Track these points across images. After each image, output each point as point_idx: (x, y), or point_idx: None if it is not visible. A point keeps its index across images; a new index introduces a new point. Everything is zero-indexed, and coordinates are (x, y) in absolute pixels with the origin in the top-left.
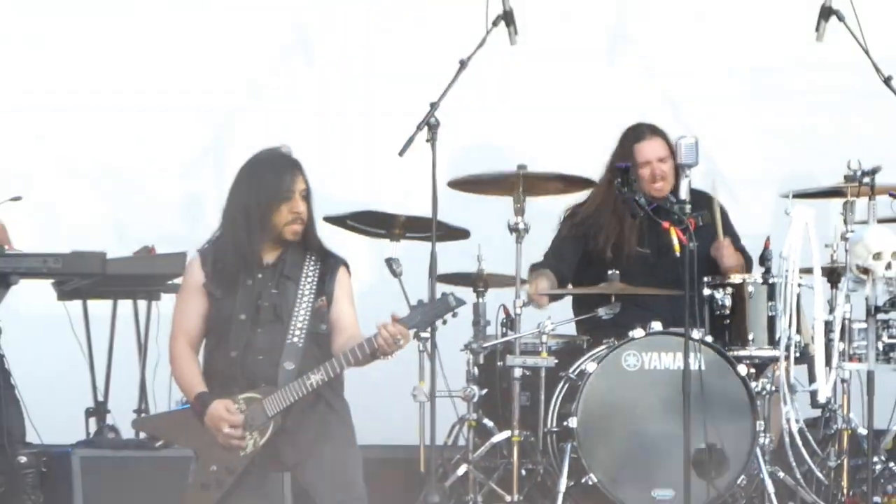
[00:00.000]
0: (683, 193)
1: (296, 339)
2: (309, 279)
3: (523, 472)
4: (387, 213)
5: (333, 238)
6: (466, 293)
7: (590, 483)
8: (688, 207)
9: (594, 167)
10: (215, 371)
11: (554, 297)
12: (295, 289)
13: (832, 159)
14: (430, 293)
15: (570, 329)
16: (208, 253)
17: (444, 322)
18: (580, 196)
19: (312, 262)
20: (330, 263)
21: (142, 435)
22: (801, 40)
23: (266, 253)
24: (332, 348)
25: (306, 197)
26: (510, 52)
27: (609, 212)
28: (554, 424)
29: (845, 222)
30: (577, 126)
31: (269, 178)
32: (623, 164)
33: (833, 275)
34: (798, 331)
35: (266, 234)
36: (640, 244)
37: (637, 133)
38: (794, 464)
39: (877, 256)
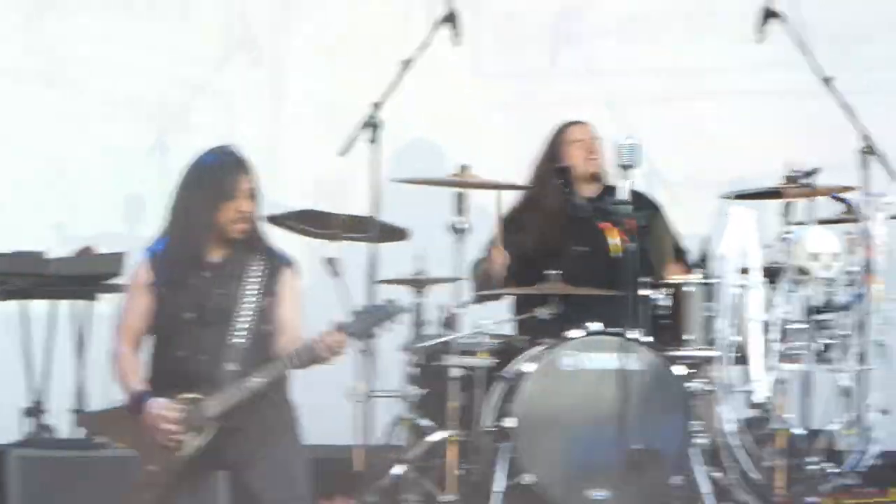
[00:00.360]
0: (624, 194)
1: (240, 340)
2: (255, 279)
3: (460, 472)
4: (327, 213)
5: (274, 238)
6: (406, 293)
7: (526, 483)
8: (628, 208)
9: None
10: (160, 371)
11: (493, 297)
12: (240, 288)
13: (772, 160)
14: (369, 297)
15: (509, 329)
16: (155, 252)
17: (388, 329)
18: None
19: (258, 262)
20: (276, 263)
21: (80, 434)
22: (742, 41)
23: (212, 252)
24: (276, 349)
25: (253, 196)
26: (454, 52)
27: (545, 212)
28: (491, 424)
29: (784, 223)
30: (519, 125)
31: (215, 177)
32: (563, 164)
33: (772, 275)
34: (736, 331)
35: (212, 234)
36: (579, 244)
37: (565, 123)
38: (730, 464)
39: (815, 257)
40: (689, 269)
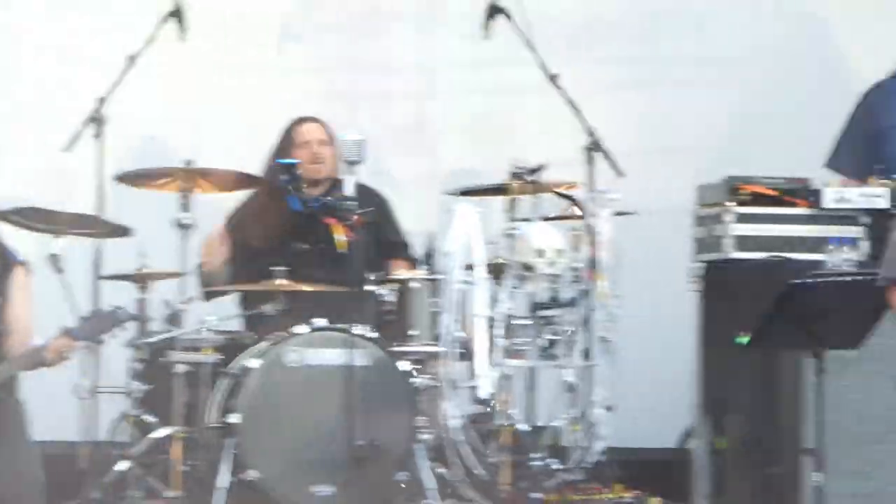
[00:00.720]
0: (350, 190)
1: None
2: None
3: (185, 468)
4: (49, 210)
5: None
6: (130, 289)
7: (250, 480)
8: (354, 204)
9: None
10: None
11: (220, 293)
12: None
13: (498, 157)
14: (94, 294)
15: (235, 325)
16: None
17: (114, 335)
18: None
19: None
20: (8, 262)
21: None
22: (469, 37)
23: None
24: (5, 349)
25: None
26: (183, 47)
27: (272, 208)
28: (216, 420)
29: (509, 220)
30: (249, 121)
31: None
32: (287, 160)
33: (497, 271)
34: (461, 327)
35: None
36: (305, 240)
37: (297, 119)
38: (454, 460)
39: (540, 254)
40: (414, 265)
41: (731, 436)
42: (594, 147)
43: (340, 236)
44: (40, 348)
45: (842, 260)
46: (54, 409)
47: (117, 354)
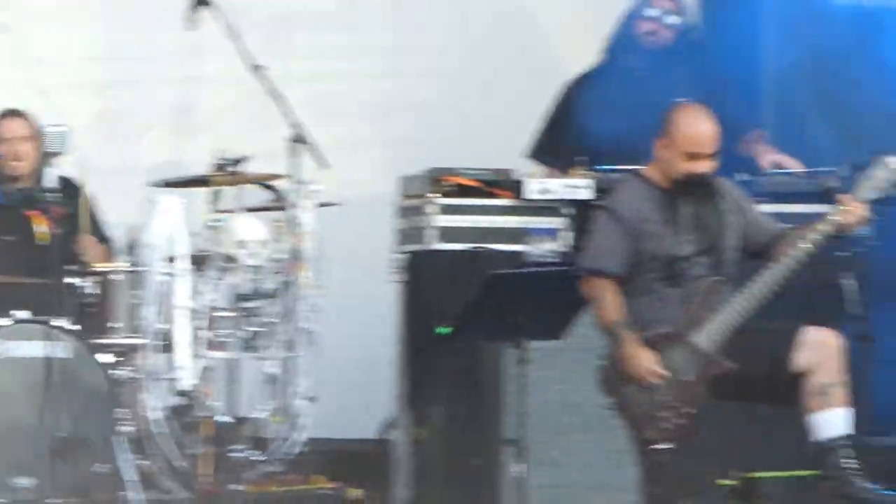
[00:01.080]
0: (51, 181)
1: None
2: None
3: None
4: None
5: None
6: None
7: None
8: (55, 196)
9: None
10: None
11: None
12: None
13: (202, 148)
14: None
15: None
16: None
17: None
18: None
19: None
20: None
21: None
22: (175, 28)
23: None
24: None
25: None
26: None
27: None
28: None
29: (212, 211)
30: None
31: None
32: None
33: (199, 263)
34: (163, 319)
35: None
36: (6, 232)
37: None
38: (155, 452)
39: (243, 245)
40: (115, 256)
41: (432, 426)
42: (298, 139)
43: (41, 228)
44: None
45: (543, 251)
46: None
47: None
